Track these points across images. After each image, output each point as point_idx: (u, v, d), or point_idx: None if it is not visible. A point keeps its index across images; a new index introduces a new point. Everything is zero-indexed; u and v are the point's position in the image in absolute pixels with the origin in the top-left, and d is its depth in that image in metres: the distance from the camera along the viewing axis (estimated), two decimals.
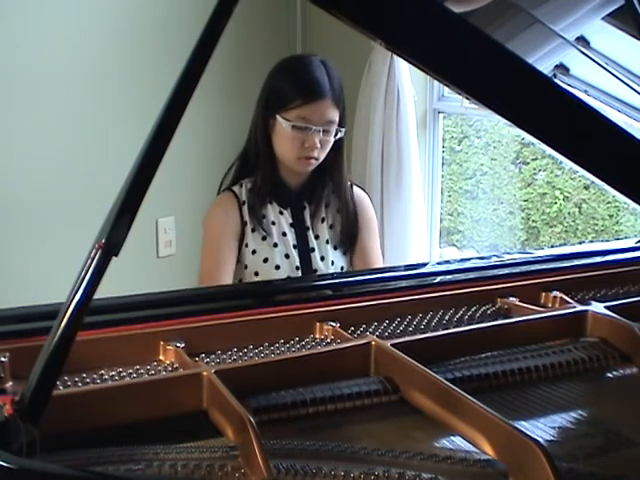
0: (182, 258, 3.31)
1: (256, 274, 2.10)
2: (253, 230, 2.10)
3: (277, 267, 2.10)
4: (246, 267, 2.11)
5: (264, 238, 2.10)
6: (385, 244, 3.14)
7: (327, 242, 2.15)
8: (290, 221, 2.13)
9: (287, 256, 2.11)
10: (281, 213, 2.13)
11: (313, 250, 2.13)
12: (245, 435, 1.06)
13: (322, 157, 2.08)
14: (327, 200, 2.16)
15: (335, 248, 2.16)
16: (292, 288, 1.76)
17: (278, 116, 2.04)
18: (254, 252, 2.10)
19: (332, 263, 2.14)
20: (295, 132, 2.02)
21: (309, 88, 2.03)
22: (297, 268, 2.11)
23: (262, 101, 2.10)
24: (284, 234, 2.12)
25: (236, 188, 2.14)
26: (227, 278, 2.07)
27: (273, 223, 2.11)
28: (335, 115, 2.06)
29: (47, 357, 1.00)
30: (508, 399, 1.30)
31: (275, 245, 2.11)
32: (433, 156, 3.44)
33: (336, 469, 1.05)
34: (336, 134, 2.07)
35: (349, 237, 2.17)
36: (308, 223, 2.14)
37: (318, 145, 2.03)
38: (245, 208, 2.11)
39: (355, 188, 2.21)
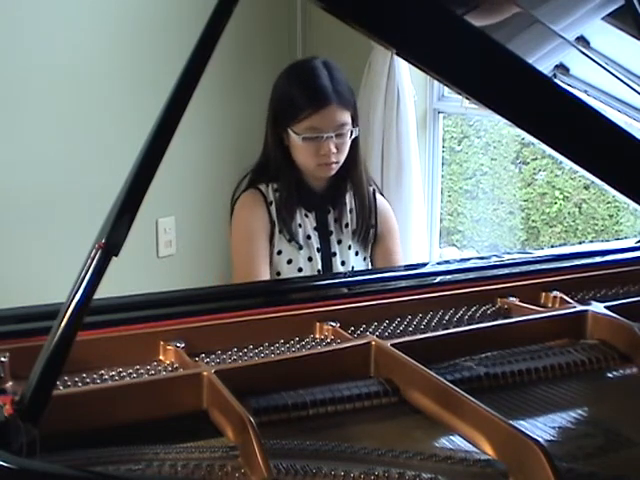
0: (182, 258, 3.31)
1: (278, 274, 2.10)
2: (280, 231, 2.09)
3: (300, 269, 2.09)
4: (270, 266, 2.10)
5: (290, 240, 2.09)
6: None
7: (349, 248, 2.15)
8: (314, 224, 2.13)
9: (310, 259, 2.11)
10: (306, 216, 2.12)
11: (335, 254, 2.13)
12: (245, 435, 1.06)
13: (342, 159, 2.06)
14: (351, 205, 2.16)
15: (357, 254, 2.16)
16: (292, 288, 1.76)
17: (289, 129, 2.03)
18: (280, 252, 2.10)
19: (352, 269, 2.14)
20: (307, 143, 2.01)
21: (312, 97, 2.01)
22: (319, 271, 2.11)
23: (271, 115, 2.09)
24: (309, 237, 2.11)
25: (263, 187, 2.11)
26: (264, 274, 2.06)
27: (300, 226, 2.11)
28: (345, 117, 2.03)
29: (47, 357, 1.00)
30: (508, 399, 1.30)
31: (300, 247, 2.10)
32: (433, 156, 3.43)
33: (336, 469, 1.05)
34: (351, 134, 2.05)
35: (365, 238, 2.16)
36: (331, 227, 2.14)
37: (334, 150, 2.02)
38: (273, 208, 2.09)
39: (379, 197, 2.21)
